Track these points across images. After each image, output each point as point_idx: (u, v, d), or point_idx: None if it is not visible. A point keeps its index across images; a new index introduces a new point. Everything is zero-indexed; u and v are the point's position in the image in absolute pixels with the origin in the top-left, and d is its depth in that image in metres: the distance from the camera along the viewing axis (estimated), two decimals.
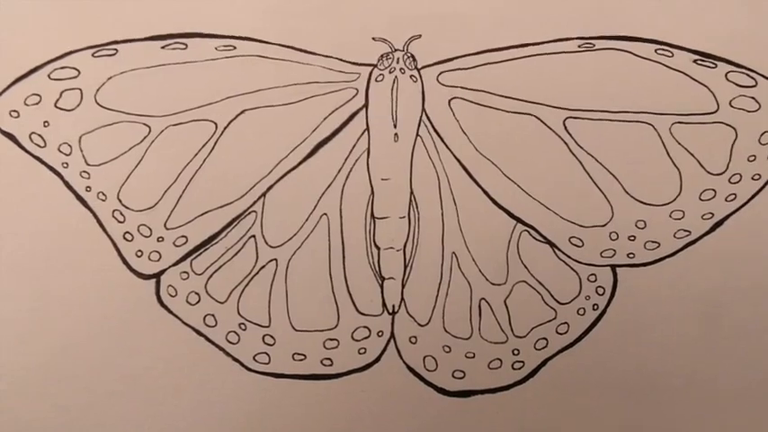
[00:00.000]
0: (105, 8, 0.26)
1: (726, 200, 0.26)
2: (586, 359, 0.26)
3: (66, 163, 0.25)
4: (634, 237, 0.26)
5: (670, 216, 0.26)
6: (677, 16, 0.26)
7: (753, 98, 0.26)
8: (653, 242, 0.26)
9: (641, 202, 0.26)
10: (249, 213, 0.26)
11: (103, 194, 0.25)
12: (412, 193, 0.26)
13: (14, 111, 0.25)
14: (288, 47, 0.26)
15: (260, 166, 0.26)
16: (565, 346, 0.26)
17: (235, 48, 0.26)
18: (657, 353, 0.26)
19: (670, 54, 0.26)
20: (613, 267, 0.26)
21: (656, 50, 0.26)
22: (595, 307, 0.26)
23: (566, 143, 0.26)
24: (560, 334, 0.26)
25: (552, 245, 0.26)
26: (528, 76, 0.26)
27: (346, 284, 0.26)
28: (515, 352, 0.26)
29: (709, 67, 0.26)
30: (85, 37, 0.26)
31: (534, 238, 0.26)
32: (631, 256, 0.26)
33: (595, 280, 0.26)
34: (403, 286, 0.26)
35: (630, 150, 0.26)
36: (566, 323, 0.26)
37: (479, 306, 0.26)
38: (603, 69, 0.26)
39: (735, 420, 0.26)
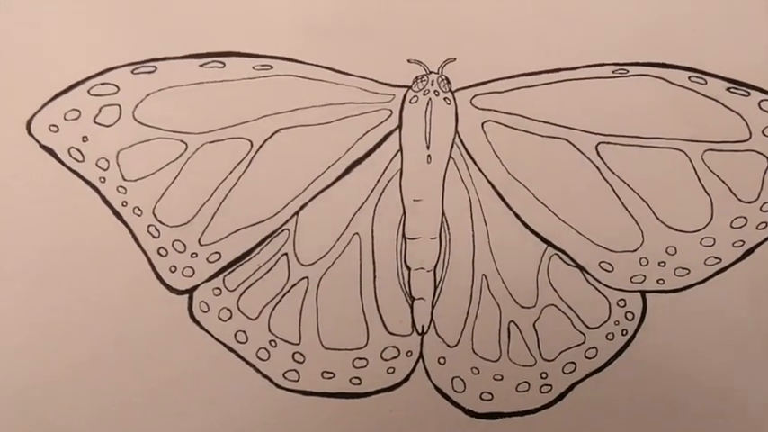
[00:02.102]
0: (145, 26, 0.26)
1: (757, 228, 0.26)
2: (614, 384, 0.26)
3: (104, 178, 0.26)
4: (664, 263, 0.26)
5: (701, 243, 0.26)
6: (711, 44, 0.26)
7: None
8: (683, 268, 0.26)
9: (672, 229, 0.26)
10: (282, 231, 0.26)
11: (139, 209, 0.26)
12: (443, 214, 0.26)
13: (54, 125, 0.26)
14: (324, 67, 0.26)
15: (294, 184, 0.26)
16: (593, 371, 0.26)
17: (272, 67, 0.26)
18: (686, 380, 0.26)
19: (703, 81, 0.26)
20: (643, 293, 0.26)
21: (689, 78, 0.26)
22: (624, 332, 0.26)
23: (597, 168, 0.26)
24: (589, 358, 0.26)
25: (582, 269, 0.26)
26: (561, 100, 0.26)
27: (376, 304, 0.26)
28: (543, 375, 0.26)
29: (742, 95, 0.26)
30: (125, 54, 0.26)
31: (564, 261, 0.26)
32: (661, 281, 0.26)
33: (625, 305, 0.26)
34: (433, 307, 0.26)
35: (662, 176, 0.26)
36: (594, 348, 0.26)
37: (508, 328, 0.26)
38: (637, 95, 0.26)
39: None
